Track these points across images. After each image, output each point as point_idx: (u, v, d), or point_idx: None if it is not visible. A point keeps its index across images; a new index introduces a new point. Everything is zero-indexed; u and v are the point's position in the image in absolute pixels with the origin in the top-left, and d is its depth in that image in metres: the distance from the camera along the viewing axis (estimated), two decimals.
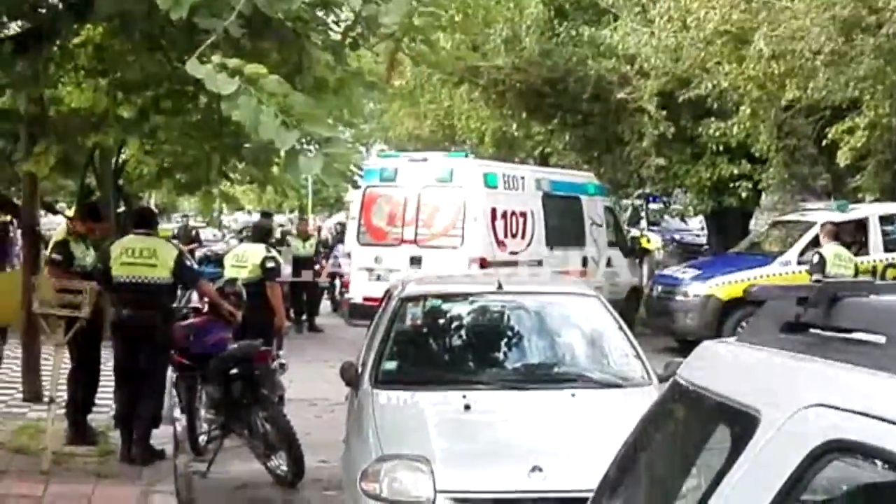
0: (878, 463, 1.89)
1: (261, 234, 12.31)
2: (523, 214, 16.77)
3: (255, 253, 11.23)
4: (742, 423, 2.19)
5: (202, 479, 8.84)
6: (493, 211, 16.17)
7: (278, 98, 4.65)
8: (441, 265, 13.54)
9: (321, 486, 8.50)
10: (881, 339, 2.07)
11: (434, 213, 16.28)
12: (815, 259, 14.15)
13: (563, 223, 17.96)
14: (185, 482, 8.66)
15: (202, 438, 9.44)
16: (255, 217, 27.01)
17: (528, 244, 16.76)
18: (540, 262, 16.37)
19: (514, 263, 15.77)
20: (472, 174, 16.28)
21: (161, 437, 9.36)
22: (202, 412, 9.50)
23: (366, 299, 16.22)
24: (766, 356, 2.36)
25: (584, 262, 18.18)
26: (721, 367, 2.59)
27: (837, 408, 1.95)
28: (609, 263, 19.14)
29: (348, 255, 18.00)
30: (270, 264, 11.10)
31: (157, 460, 8.85)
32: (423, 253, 15.89)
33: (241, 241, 18.67)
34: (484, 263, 15.21)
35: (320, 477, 8.62)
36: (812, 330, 2.33)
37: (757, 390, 2.26)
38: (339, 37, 7.79)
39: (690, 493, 2.44)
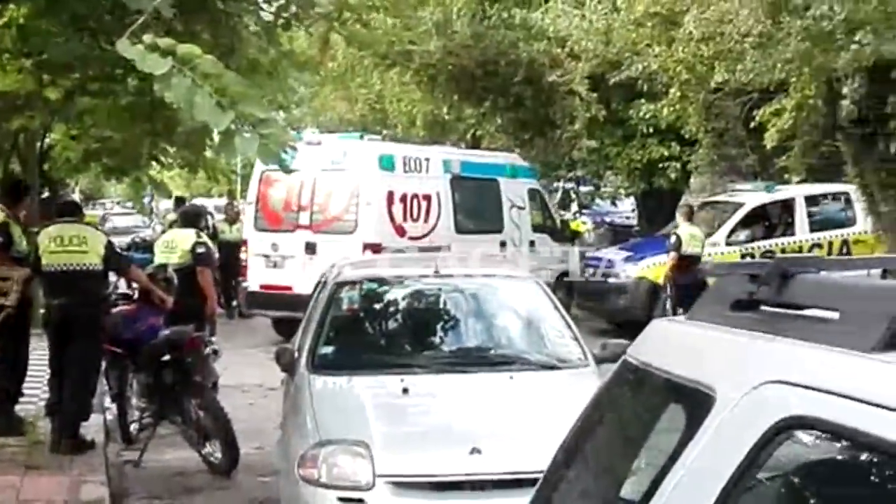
0: (833, 438, 1.89)
1: (190, 219, 12.10)
2: (427, 198, 16.24)
3: (185, 238, 11.03)
4: (697, 402, 2.17)
5: (134, 469, 8.71)
6: (391, 195, 15.67)
7: (213, 79, 4.55)
8: (335, 252, 12.76)
9: (256, 472, 8.42)
10: (834, 315, 2.06)
11: (329, 197, 15.80)
12: (672, 239, 15.04)
13: (477, 206, 17.44)
14: (117, 471, 8.53)
15: (134, 427, 9.31)
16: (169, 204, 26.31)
17: (433, 229, 16.22)
18: (448, 248, 15.45)
19: (415, 250, 15.02)
20: (366, 157, 15.80)
21: (91, 426, 9.20)
22: (133, 400, 9.37)
23: (263, 287, 15.96)
24: (719, 334, 2.34)
25: (503, 246, 17.38)
26: (673, 346, 2.57)
27: (793, 384, 1.94)
28: (533, 248, 18.30)
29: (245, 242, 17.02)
30: (201, 249, 10.91)
31: (87, 450, 8.69)
32: (317, 239, 15.42)
33: (169, 226, 18.21)
34: (378, 250, 14.58)
35: (255, 463, 8.54)
36: (763, 307, 2.32)
37: (711, 368, 2.25)
38: (271, 17, 7.69)
39: (642, 474, 2.43)
